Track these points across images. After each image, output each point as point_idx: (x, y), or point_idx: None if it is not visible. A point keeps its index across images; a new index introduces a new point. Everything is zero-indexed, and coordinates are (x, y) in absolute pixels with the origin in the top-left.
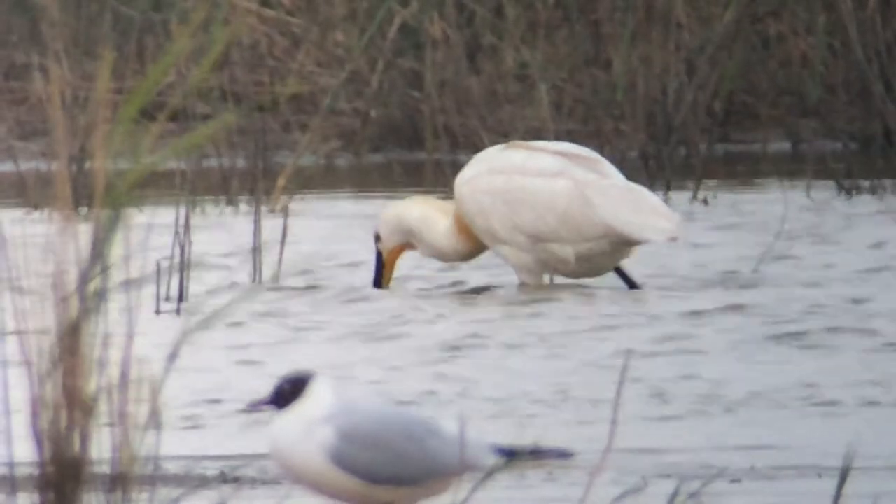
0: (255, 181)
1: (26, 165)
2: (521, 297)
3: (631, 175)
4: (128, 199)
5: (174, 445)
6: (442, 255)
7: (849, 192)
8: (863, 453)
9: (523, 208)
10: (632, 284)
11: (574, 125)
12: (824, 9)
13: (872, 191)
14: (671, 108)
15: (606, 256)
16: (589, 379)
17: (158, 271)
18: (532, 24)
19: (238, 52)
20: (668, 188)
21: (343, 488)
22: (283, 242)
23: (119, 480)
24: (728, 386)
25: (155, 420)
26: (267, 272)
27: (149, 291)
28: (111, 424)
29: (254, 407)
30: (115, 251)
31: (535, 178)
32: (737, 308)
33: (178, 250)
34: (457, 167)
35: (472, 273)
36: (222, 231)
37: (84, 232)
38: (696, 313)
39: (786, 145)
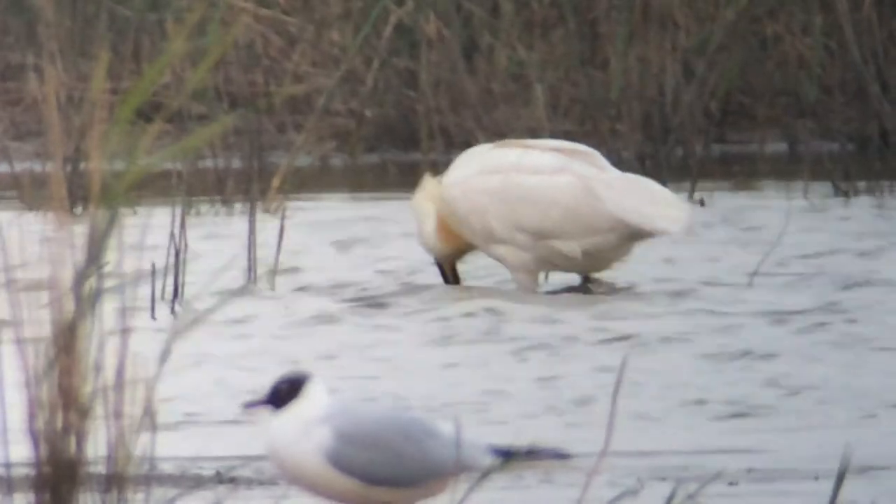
0: (251, 182)
1: (21, 166)
2: (514, 296)
3: None
4: (123, 200)
5: (170, 446)
6: (430, 252)
7: (846, 194)
8: (860, 455)
9: (525, 206)
10: (587, 279)
11: (570, 125)
12: (821, 9)
13: (869, 192)
14: (668, 109)
15: (612, 250)
16: (586, 380)
17: (154, 272)
18: (528, 23)
19: (233, 52)
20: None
21: (340, 489)
22: (279, 243)
23: (115, 481)
24: (726, 387)
25: (150, 420)
26: (262, 273)
27: (144, 292)
28: (107, 424)
29: (250, 407)
30: (111, 252)
31: (534, 176)
32: (734, 309)
33: (173, 251)
34: None
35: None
36: (217, 232)
37: (79, 232)
38: (693, 314)
39: (782, 146)
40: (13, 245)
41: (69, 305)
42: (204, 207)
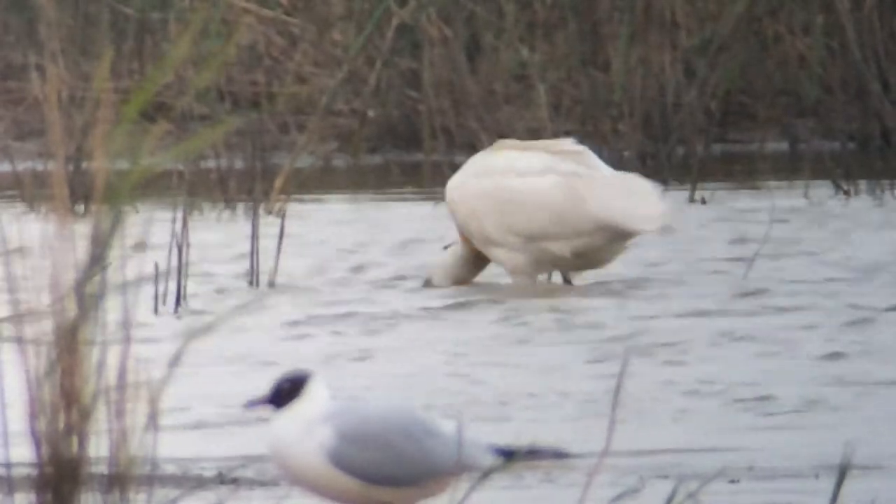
0: (253, 182)
1: (23, 165)
2: (514, 297)
3: None
4: (126, 200)
5: (171, 446)
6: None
7: (846, 193)
8: (861, 454)
9: (514, 209)
10: (567, 280)
11: (572, 125)
12: (822, 9)
13: (870, 191)
14: (669, 109)
15: (604, 250)
16: (586, 379)
17: (156, 272)
18: (530, 24)
19: (236, 53)
20: (665, 188)
21: (341, 488)
22: (280, 244)
23: (116, 481)
24: (725, 386)
25: (152, 421)
26: (264, 273)
27: (146, 292)
28: (109, 425)
29: (252, 406)
30: (113, 252)
31: (522, 178)
32: (732, 308)
33: (175, 251)
34: (454, 168)
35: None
36: (220, 232)
37: (81, 232)
38: (693, 313)
39: (783, 145)
40: (15, 245)
41: (71, 306)
42: (207, 208)
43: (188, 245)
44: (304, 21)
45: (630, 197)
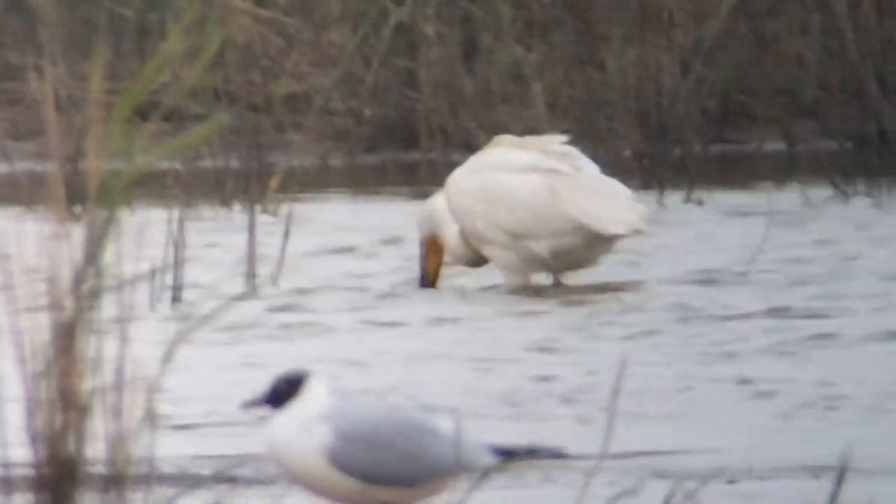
0: (249, 182)
1: (21, 166)
2: (512, 296)
3: (625, 175)
4: (122, 200)
5: (169, 445)
6: (450, 256)
7: (844, 193)
8: (860, 454)
9: (499, 205)
10: (556, 280)
11: (569, 125)
12: (819, 9)
13: (868, 191)
14: (666, 108)
15: (583, 252)
16: (585, 379)
17: (152, 272)
18: (527, 23)
19: (232, 52)
20: (662, 188)
21: (340, 488)
22: (284, 243)
23: (114, 480)
24: (725, 386)
25: (150, 420)
26: (261, 273)
27: (143, 292)
28: (106, 424)
29: (249, 406)
30: (110, 252)
31: (508, 175)
32: (732, 308)
33: (172, 251)
34: (451, 167)
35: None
36: (216, 232)
37: (78, 232)
38: (692, 313)
39: (781, 145)
40: (12, 245)
41: (68, 305)
42: (203, 207)
43: (184, 244)
44: (300, 21)
45: (603, 199)
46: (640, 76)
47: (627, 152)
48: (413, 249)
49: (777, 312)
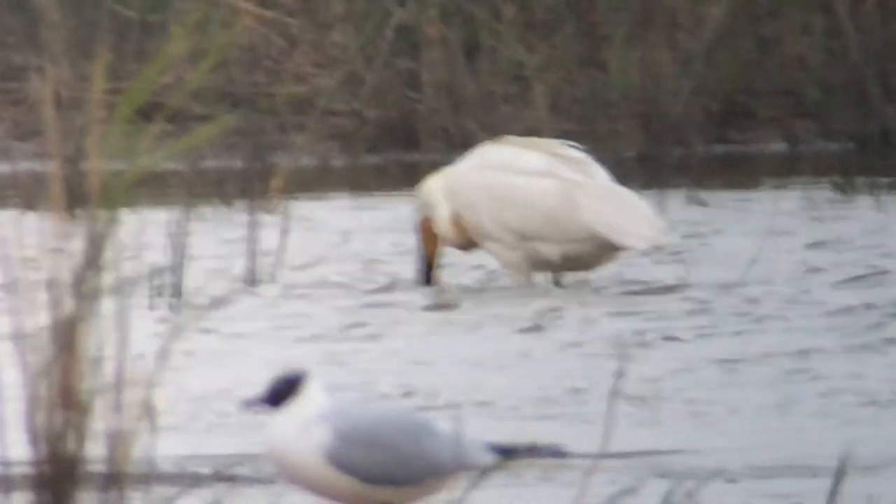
0: (251, 182)
1: (22, 166)
2: (511, 295)
3: (627, 175)
4: (123, 200)
5: (169, 444)
6: (441, 239)
7: (846, 193)
8: (859, 453)
9: (510, 205)
10: (556, 280)
11: (571, 126)
12: (821, 10)
13: (870, 191)
14: (668, 109)
15: (592, 258)
16: (584, 378)
17: (154, 272)
18: (529, 24)
19: (235, 53)
20: (664, 188)
21: (339, 487)
22: (282, 243)
23: (114, 479)
24: (724, 386)
25: (150, 419)
26: (262, 272)
27: (144, 291)
28: (106, 423)
29: (248, 406)
30: (111, 251)
31: (522, 177)
32: (731, 308)
33: (173, 251)
34: None
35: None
36: (218, 232)
37: (79, 232)
38: (692, 313)
39: (783, 146)
40: (13, 244)
41: (69, 305)
42: (205, 207)
43: (185, 244)
44: (303, 21)
45: (625, 212)
46: (642, 77)
47: (630, 153)
48: (412, 250)
49: (777, 312)
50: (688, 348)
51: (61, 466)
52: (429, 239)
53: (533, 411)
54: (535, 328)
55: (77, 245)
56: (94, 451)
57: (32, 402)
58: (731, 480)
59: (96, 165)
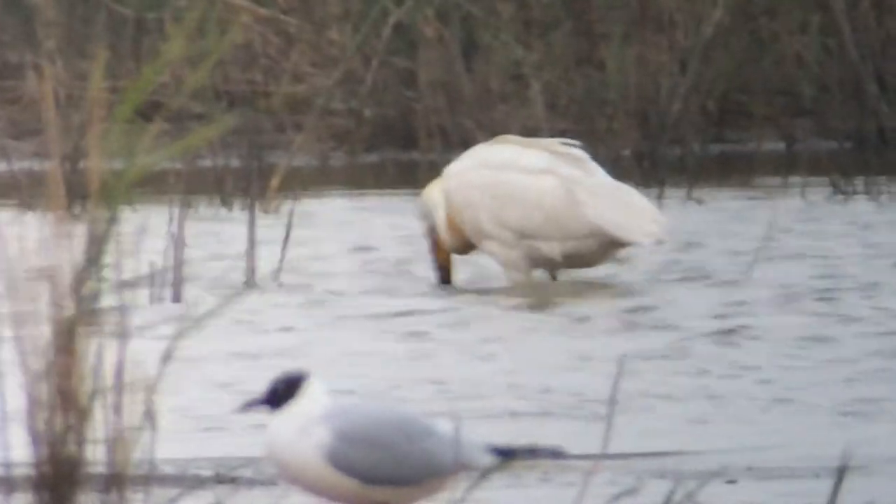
0: (249, 181)
1: (20, 165)
2: (511, 295)
3: (624, 174)
4: (123, 199)
5: (169, 446)
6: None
7: (843, 192)
8: (861, 454)
9: (510, 204)
10: (553, 277)
11: (568, 124)
12: (818, 8)
13: (867, 190)
14: (665, 108)
15: (594, 255)
16: (585, 379)
17: (153, 272)
18: (526, 23)
19: (232, 52)
20: (661, 187)
21: (339, 488)
22: (285, 243)
23: (114, 481)
24: (724, 386)
25: (150, 420)
26: (261, 272)
27: (143, 292)
28: (106, 425)
29: (248, 407)
30: (110, 251)
31: (522, 175)
32: (731, 308)
33: (172, 251)
34: None
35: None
36: (216, 231)
37: (78, 232)
38: (691, 313)
39: (780, 145)
40: (12, 244)
41: (68, 305)
42: (203, 207)
43: (184, 244)
44: (300, 20)
45: (627, 208)
46: (639, 76)
47: (626, 152)
48: (413, 248)
49: (776, 313)
50: (688, 348)
51: (62, 468)
52: (438, 245)
53: (532, 411)
54: (534, 328)
55: (76, 245)
56: (95, 452)
57: (33, 404)
58: (732, 481)
59: (96, 164)
